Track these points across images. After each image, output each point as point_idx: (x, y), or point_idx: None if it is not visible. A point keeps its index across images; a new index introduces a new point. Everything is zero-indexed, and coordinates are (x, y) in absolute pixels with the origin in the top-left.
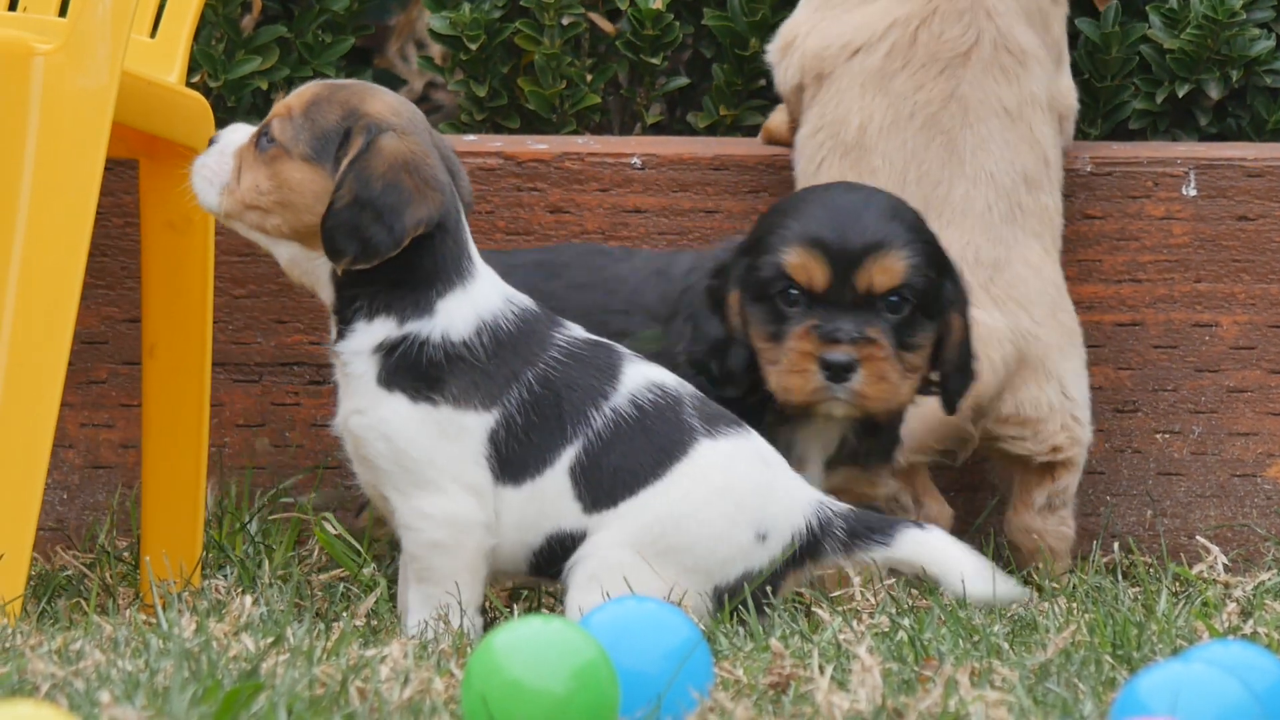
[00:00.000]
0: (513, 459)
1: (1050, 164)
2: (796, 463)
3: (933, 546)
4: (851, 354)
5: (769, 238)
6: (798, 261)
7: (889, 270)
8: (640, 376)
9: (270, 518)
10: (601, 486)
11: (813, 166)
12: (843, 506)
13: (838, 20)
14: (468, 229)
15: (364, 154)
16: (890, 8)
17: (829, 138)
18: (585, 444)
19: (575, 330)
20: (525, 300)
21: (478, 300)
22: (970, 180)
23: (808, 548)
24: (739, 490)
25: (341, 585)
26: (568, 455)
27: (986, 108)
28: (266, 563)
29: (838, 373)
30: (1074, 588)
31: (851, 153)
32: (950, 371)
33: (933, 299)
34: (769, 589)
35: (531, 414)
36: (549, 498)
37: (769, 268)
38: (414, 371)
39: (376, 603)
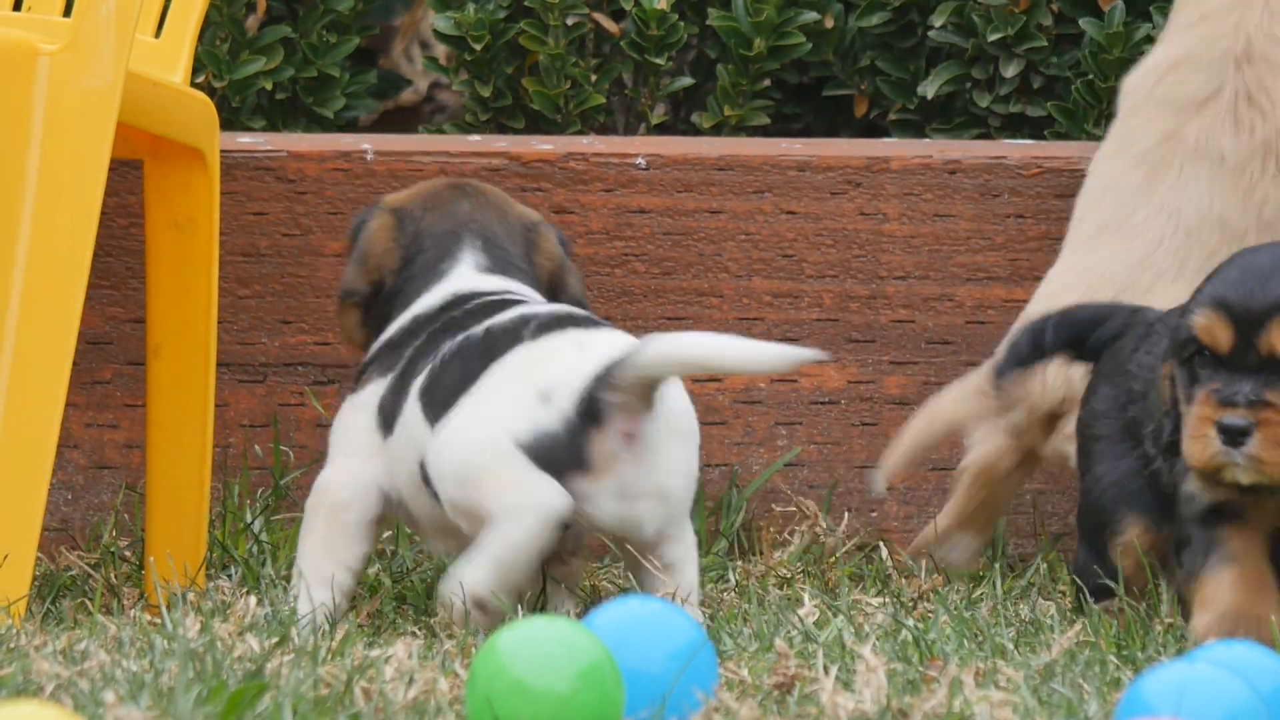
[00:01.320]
0: (385, 409)
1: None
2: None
3: (687, 339)
4: (1247, 418)
5: (1190, 302)
6: (1205, 324)
7: None
8: (516, 312)
9: (274, 519)
10: (436, 402)
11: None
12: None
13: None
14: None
15: None
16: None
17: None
18: (433, 369)
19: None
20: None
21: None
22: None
23: (592, 402)
24: (527, 367)
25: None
26: (418, 382)
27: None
28: (270, 563)
29: (1233, 437)
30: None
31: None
32: None
33: None
34: (577, 451)
35: (413, 362)
36: (409, 427)
37: (1184, 331)
38: None
39: (381, 603)
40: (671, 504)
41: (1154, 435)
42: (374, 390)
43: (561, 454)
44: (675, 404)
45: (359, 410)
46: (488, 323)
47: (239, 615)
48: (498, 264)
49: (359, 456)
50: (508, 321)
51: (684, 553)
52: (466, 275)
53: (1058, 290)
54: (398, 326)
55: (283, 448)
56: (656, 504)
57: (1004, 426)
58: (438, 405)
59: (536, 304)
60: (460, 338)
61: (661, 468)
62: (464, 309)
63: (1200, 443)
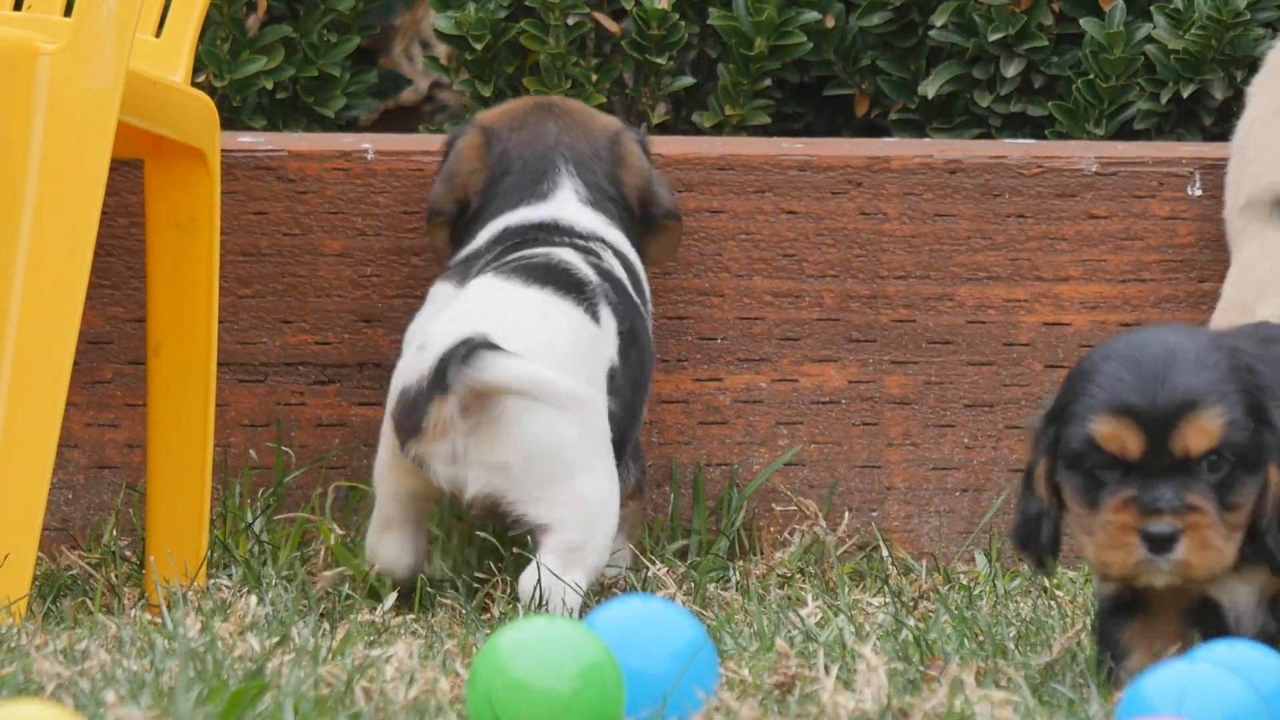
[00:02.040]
0: None
1: None
2: None
3: (505, 366)
4: (1174, 524)
5: (1074, 405)
6: (1109, 431)
7: (1205, 431)
8: (538, 250)
9: (275, 518)
10: None
11: None
12: (481, 334)
13: None
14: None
15: None
16: None
17: None
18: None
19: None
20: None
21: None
22: None
23: (441, 370)
24: (434, 312)
25: (347, 585)
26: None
27: None
28: (271, 562)
29: (1159, 544)
30: (1080, 588)
31: None
32: (1271, 529)
33: (1253, 452)
34: (417, 415)
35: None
36: None
37: (1077, 438)
38: None
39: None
40: (512, 475)
41: (1026, 540)
42: (449, 289)
43: (407, 417)
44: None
45: (434, 305)
46: (511, 256)
47: (239, 615)
48: (595, 196)
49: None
50: (512, 258)
51: (557, 514)
52: (566, 203)
53: (1263, 277)
54: (487, 236)
55: (284, 448)
56: (489, 473)
57: None
58: None
59: (569, 251)
60: (507, 259)
61: (495, 439)
62: (536, 237)
63: (1122, 551)
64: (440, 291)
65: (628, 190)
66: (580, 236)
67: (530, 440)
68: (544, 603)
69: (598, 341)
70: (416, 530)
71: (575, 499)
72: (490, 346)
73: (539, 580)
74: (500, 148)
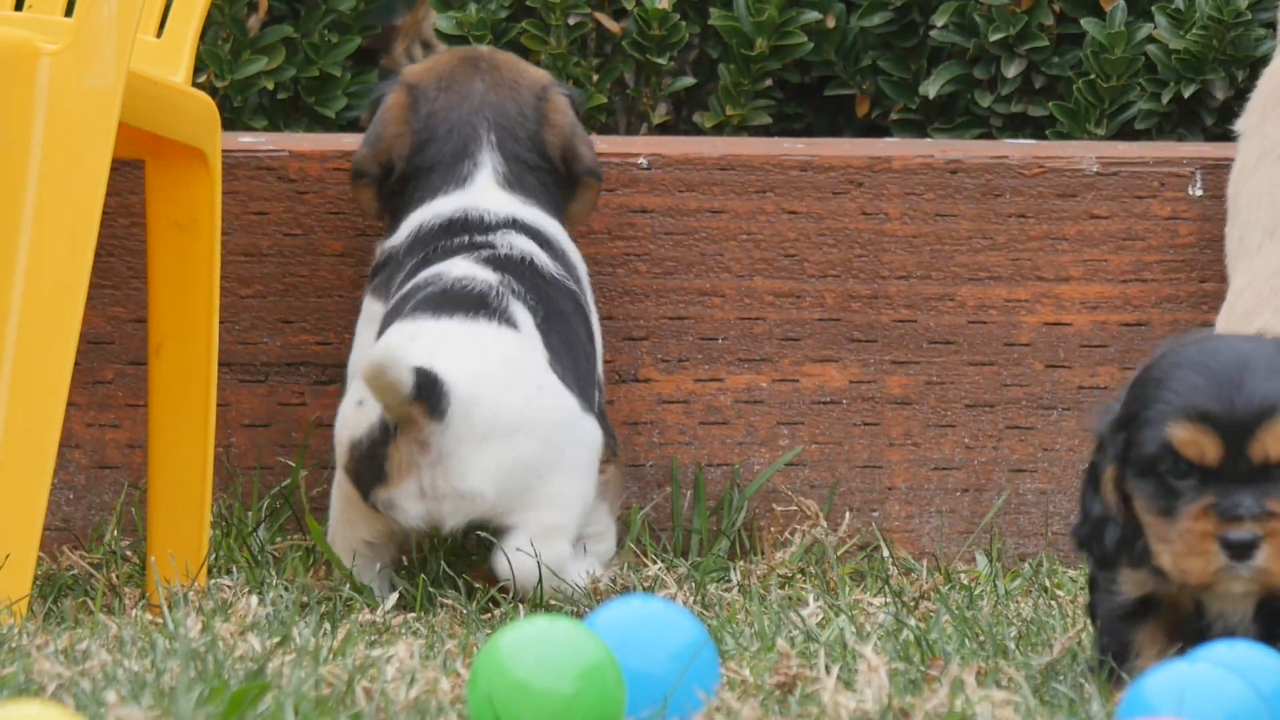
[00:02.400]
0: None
1: None
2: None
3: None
4: (1255, 531)
5: (1147, 412)
6: (1187, 437)
7: None
8: (438, 269)
9: (278, 531)
10: None
11: None
12: (434, 367)
13: None
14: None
15: None
16: None
17: None
18: (385, 314)
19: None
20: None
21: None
22: None
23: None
24: (361, 362)
25: (346, 588)
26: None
27: None
28: (272, 562)
29: (1240, 551)
30: (1080, 588)
31: None
32: None
33: None
34: (378, 461)
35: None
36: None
37: (1153, 443)
38: None
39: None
40: (478, 503)
41: (1090, 541)
42: (377, 306)
43: (366, 467)
44: (477, 407)
45: (370, 325)
46: (417, 278)
47: (240, 615)
48: (514, 170)
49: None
50: (420, 281)
51: (536, 512)
52: (482, 190)
53: (1251, 306)
54: (406, 234)
55: (284, 448)
56: (465, 502)
57: None
58: None
59: (476, 256)
60: (397, 295)
61: (459, 470)
62: (447, 243)
63: (1201, 559)
64: (371, 310)
65: (550, 150)
66: (489, 229)
67: (496, 463)
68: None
69: (524, 344)
70: (394, 561)
71: (551, 498)
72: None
73: (509, 561)
74: (427, 109)
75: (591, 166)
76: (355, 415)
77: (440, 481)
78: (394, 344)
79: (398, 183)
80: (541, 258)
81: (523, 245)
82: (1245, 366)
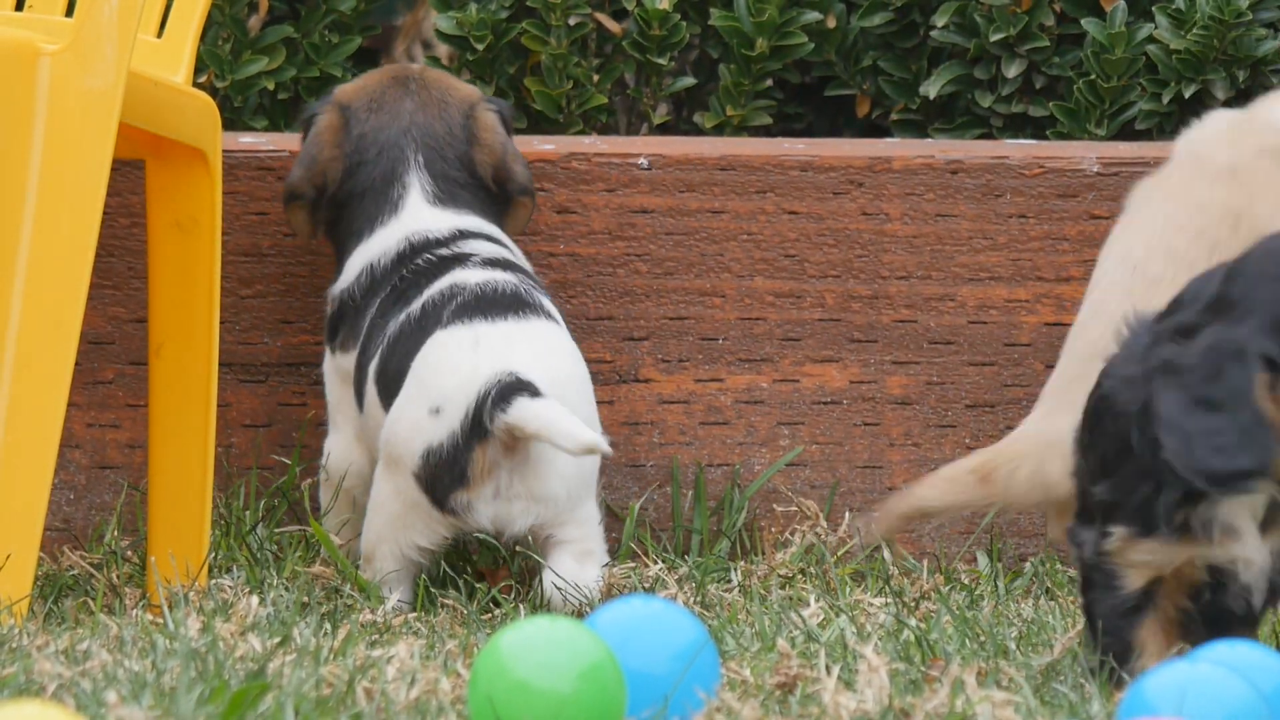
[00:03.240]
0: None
1: None
2: (1224, 532)
3: (537, 413)
4: None
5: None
6: None
7: None
8: (448, 280)
9: (278, 530)
10: (388, 389)
11: None
12: (523, 376)
13: None
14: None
15: None
16: None
17: None
18: (383, 351)
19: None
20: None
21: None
22: None
23: (477, 418)
24: (427, 373)
25: (346, 587)
26: (373, 364)
27: None
28: (272, 562)
29: None
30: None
31: None
32: None
33: None
34: (460, 467)
35: (370, 334)
36: (371, 411)
37: None
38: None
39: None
40: (548, 507)
41: (1234, 450)
42: (347, 358)
43: (446, 472)
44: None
45: (338, 376)
46: (424, 296)
47: (241, 615)
48: (444, 188)
49: (348, 428)
50: (437, 295)
51: (579, 531)
52: (417, 211)
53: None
54: (355, 275)
55: (284, 448)
56: (537, 505)
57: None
58: (389, 392)
59: (471, 263)
60: (403, 316)
61: (538, 473)
62: (414, 267)
63: None
64: (340, 363)
65: (481, 169)
66: (443, 243)
67: (568, 469)
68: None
69: (569, 339)
70: (417, 573)
71: (589, 516)
72: (524, 389)
73: (555, 581)
74: (358, 130)
75: (525, 185)
76: (432, 424)
77: (517, 484)
78: (553, 418)
79: (331, 207)
80: (517, 256)
81: (490, 249)
82: None
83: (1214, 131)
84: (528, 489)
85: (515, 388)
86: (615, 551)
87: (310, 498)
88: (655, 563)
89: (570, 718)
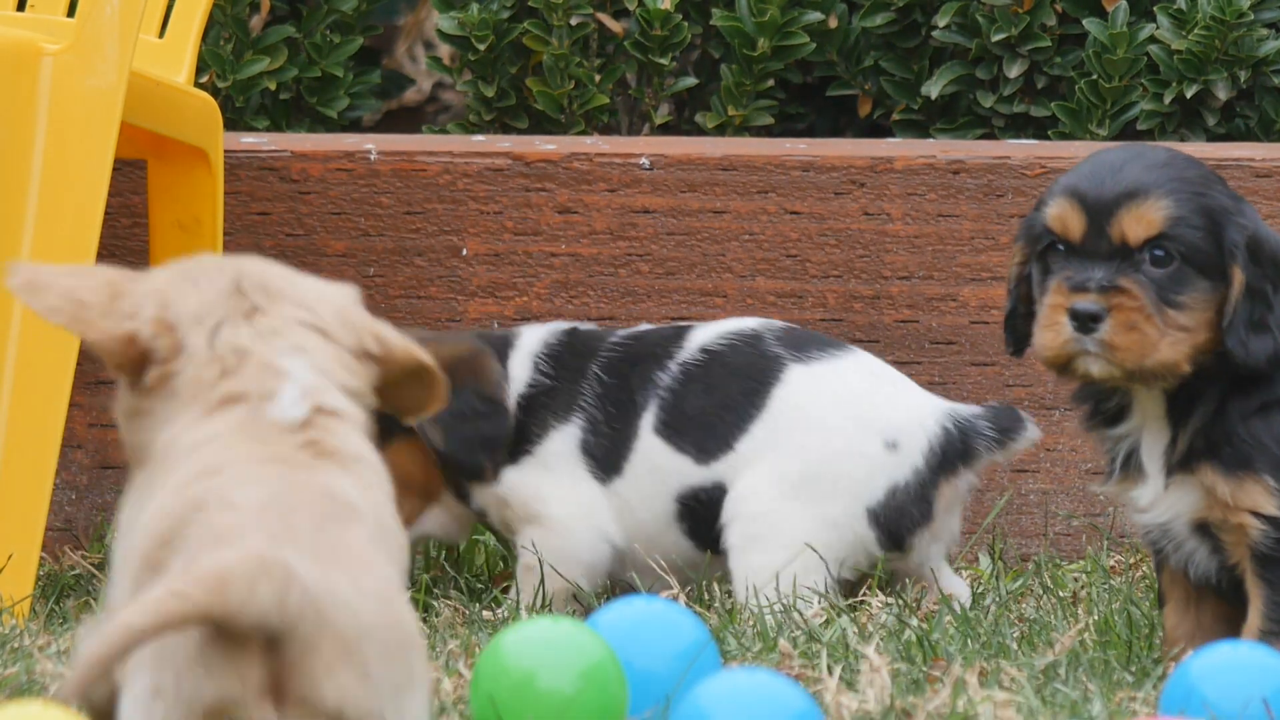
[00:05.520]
0: (600, 451)
1: None
2: (1135, 472)
3: (1033, 435)
4: (1100, 303)
5: (1043, 196)
6: (1057, 213)
7: (1144, 219)
8: (712, 331)
9: None
10: (691, 432)
11: None
12: (974, 407)
13: None
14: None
15: None
16: None
17: None
18: (659, 401)
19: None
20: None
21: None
22: None
23: (956, 451)
24: (851, 403)
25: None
26: (647, 419)
27: None
28: None
29: (1084, 322)
30: (1083, 588)
31: None
32: (1233, 329)
33: (1206, 254)
34: (926, 504)
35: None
36: (652, 464)
37: (1038, 224)
38: None
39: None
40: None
41: (1008, 326)
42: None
43: (915, 508)
44: None
45: (564, 459)
46: (693, 344)
47: None
48: None
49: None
50: (724, 340)
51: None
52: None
53: None
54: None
55: None
56: (946, 545)
57: None
58: (695, 438)
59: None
60: (673, 366)
61: (958, 512)
62: (590, 349)
63: (1052, 331)
64: (559, 448)
65: None
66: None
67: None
68: None
69: None
70: None
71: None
72: (1017, 418)
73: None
74: None
75: None
76: (885, 459)
77: (946, 523)
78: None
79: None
80: None
81: None
82: (1134, 159)
83: None
84: (951, 529)
85: (995, 415)
86: None
87: None
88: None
89: (572, 717)
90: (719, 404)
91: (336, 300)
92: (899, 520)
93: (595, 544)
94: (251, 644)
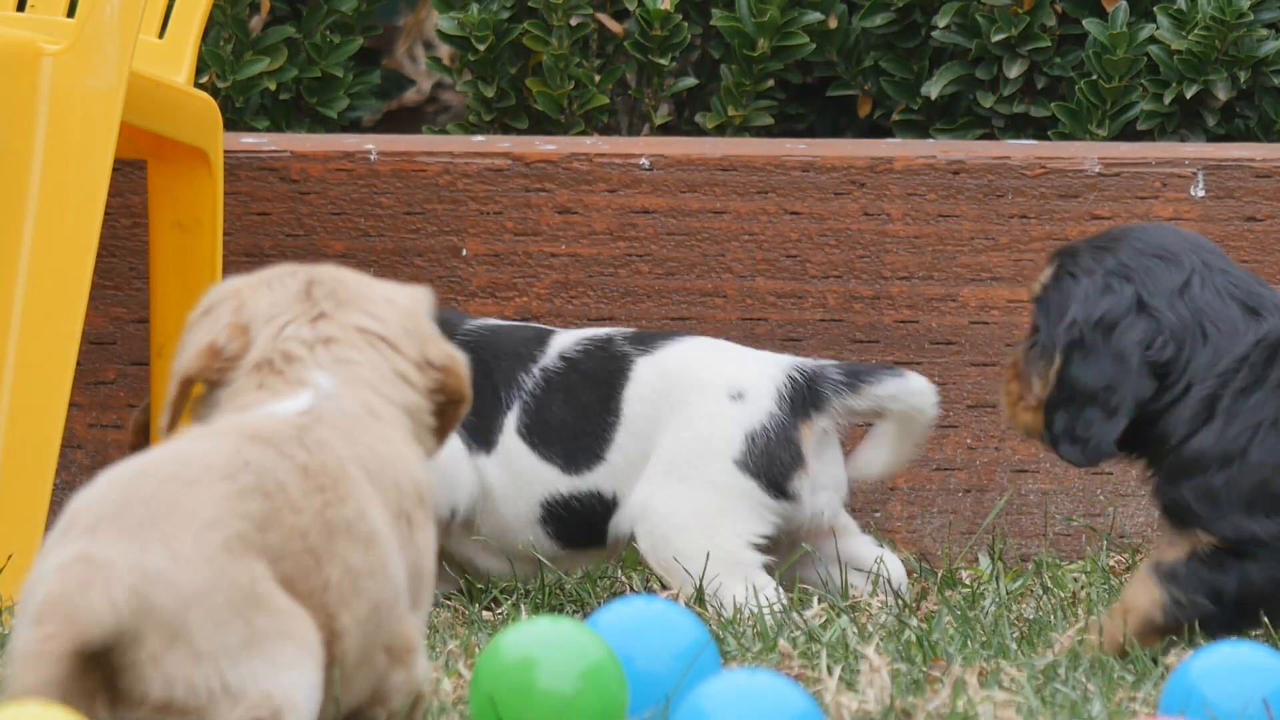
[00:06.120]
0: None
1: None
2: None
3: (910, 387)
4: None
5: None
6: None
7: None
8: (570, 338)
9: None
10: (556, 443)
11: None
12: (824, 360)
13: None
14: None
15: None
16: None
17: None
18: (523, 405)
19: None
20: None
21: None
22: None
23: (804, 396)
24: (695, 371)
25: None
26: (511, 419)
27: None
28: None
29: None
30: (1083, 588)
31: None
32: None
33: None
34: (792, 446)
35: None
36: (517, 468)
37: None
38: None
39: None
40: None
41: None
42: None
43: (783, 451)
44: None
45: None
46: (553, 350)
47: None
48: None
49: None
50: (580, 346)
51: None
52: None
53: None
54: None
55: None
56: (835, 493)
57: None
58: (558, 447)
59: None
60: (536, 370)
61: (837, 458)
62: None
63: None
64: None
65: None
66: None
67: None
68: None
69: None
70: None
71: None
72: (875, 368)
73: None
74: None
75: None
76: (737, 410)
77: (822, 471)
78: None
79: None
80: None
81: None
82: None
83: None
84: (832, 476)
85: (847, 366)
86: None
87: None
88: None
89: (572, 717)
90: (579, 413)
91: (406, 306)
92: (770, 465)
93: (467, 473)
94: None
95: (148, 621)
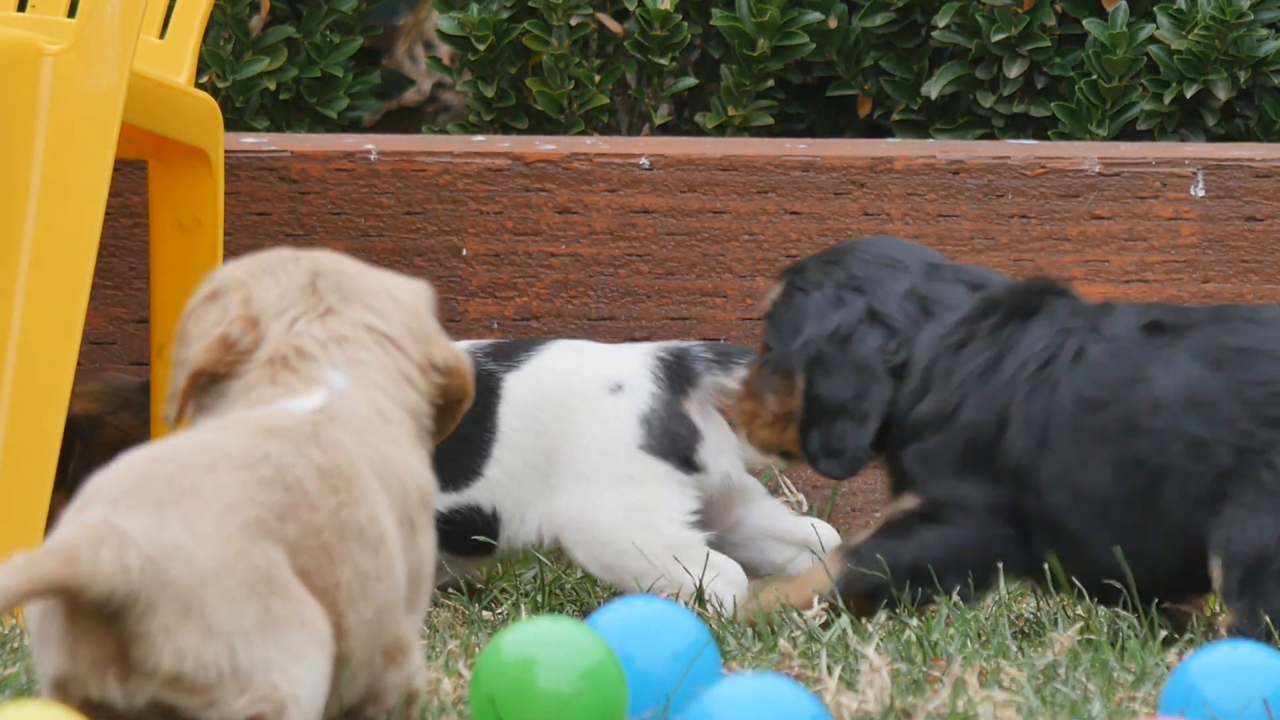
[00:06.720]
0: None
1: None
2: None
3: None
4: None
5: None
6: None
7: None
8: None
9: None
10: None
11: None
12: (689, 341)
13: None
14: None
15: None
16: None
17: None
18: None
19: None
20: None
21: None
22: None
23: (677, 375)
24: (566, 380)
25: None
26: None
27: None
28: None
29: None
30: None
31: None
32: None
33: None
34: (684, 420)
35: None
36: None
37: None
38: None
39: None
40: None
41: None
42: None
43: (680, 425)
44: None
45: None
46: None
47: None
48: None
49: None
50: None
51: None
52: None
53: None
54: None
55: None
56: (737, 456)
57: None
58: (444, 468)
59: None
60: None
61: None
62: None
63: None
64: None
65: None
66: None
67: None
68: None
69: None
70: None
71: None
72: (740, 350)
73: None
74: None
75: None
76: (625, 400)
77: (713, 434)
78: None
79: None
80: None
81: None
82: None
83: None
84: (730, 440)
85: (715, 346)
86: None
87: None
88: None
89: (572, 717)
90: (454, 435)
91: (409, 304)
92: (673, 442)
93: None
94: (90, 619)
95: (162, 593)
